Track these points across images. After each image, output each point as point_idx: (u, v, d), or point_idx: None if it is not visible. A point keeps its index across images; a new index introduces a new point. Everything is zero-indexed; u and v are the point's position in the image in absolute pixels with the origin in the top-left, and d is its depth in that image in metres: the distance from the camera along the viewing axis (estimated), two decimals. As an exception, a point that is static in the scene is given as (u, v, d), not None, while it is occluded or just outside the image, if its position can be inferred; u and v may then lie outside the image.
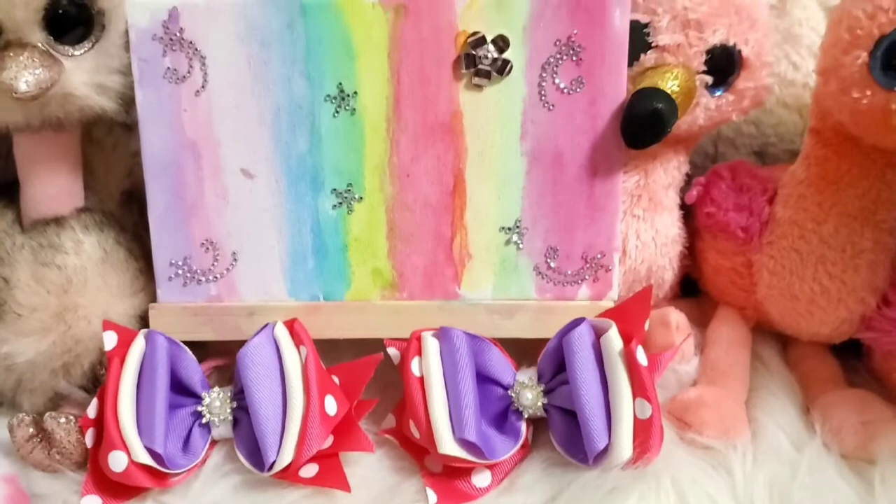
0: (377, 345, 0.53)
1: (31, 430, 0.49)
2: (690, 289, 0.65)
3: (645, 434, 0.47)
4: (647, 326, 0.52)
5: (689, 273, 0.64)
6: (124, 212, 0.58)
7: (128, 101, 0.52)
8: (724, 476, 0.49)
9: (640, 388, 0.48)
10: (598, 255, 0.54)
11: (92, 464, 0.50)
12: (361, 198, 0.53)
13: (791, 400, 0.55)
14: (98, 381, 0.53)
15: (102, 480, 0.49)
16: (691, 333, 0.57)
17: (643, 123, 0.48)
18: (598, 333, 0.50)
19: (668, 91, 0.49)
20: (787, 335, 0.59)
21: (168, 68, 0.50)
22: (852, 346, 0.58)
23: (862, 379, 0.57)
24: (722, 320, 0.59)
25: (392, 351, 0.52)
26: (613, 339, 0.49)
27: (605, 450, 0.48)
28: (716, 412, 0.51)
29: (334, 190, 0.52)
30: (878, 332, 0.53)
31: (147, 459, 0.48)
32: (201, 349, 0.54)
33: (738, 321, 0.59)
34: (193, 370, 0.52)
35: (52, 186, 0.53)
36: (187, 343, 0.52)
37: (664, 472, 0.48)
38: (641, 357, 0.48)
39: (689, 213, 0.62)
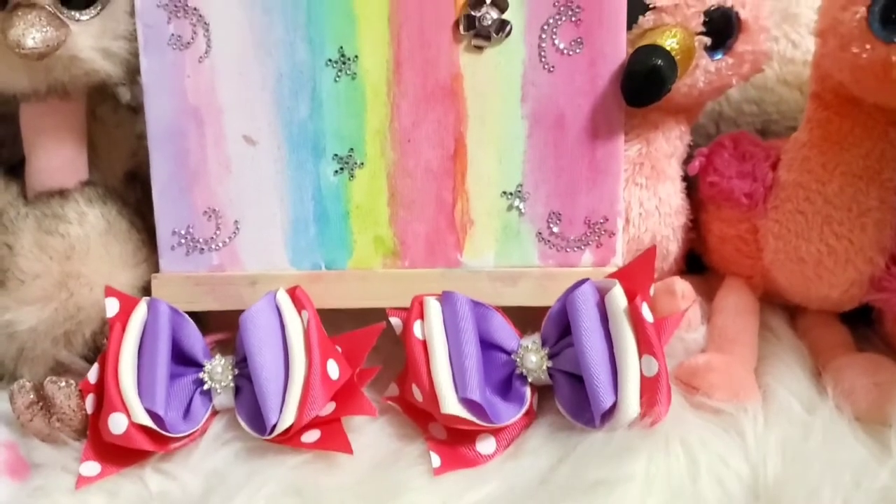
0: (379, 315, 0.53)
1: (31, 396, 0.49)
2: (695, 267, 0.65)
3: (652, 392, 0.46)
4: (652, 291, 0.52)
5: (693, 248, 0.63)
6: (128, 190, 0.58)
7: (132, 70, 0.52)
8: (735, 438, 0.48)
9: (645, 346, 0.47)
10: (602, 220, 0.53)
11: (92, 430, 0.49)
12: (363, 164, 0.53)
13: (801, 366, 0.54)
14: (100, 350, 0.52)
15: (102, 447, 0.48)
16: (697, 300, 0.56)
17: (643, 80, 0.48)
18: (602, 293, 0.50)
19: (668, 48, 0.49)
20: (796, 304, 0.58)
21: (172, 35, 0.51)
22: (862, 315, 0.57)
23: (873, 346, 0.56)
24: (729, 289, 0.58)
25: (395, 320, 0.52)
26: (618, 297, 0.48)
27: (612, 409, 0.47)
28: (725, 376, 0.51)
29: (336, 155, 0.52)
30: (888, 292, 0.52)
31: (147, 421, 0.47)
32: (201, 326, 0.54)
33: (745, 289, 0.58)
34: (195, 339, 0.51)
35: (56, 158, 0.53)
36: (189, 314, 0.52)
37: (673, 434, 0.47)
38: (647, 314, 0.48)
39: (691, 188, 0.61)
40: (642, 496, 0.44)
